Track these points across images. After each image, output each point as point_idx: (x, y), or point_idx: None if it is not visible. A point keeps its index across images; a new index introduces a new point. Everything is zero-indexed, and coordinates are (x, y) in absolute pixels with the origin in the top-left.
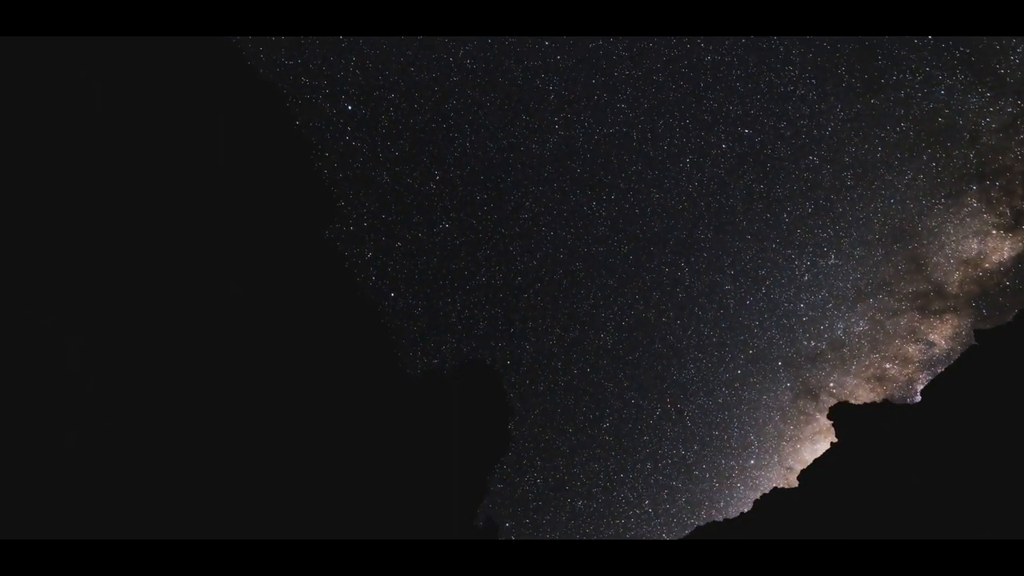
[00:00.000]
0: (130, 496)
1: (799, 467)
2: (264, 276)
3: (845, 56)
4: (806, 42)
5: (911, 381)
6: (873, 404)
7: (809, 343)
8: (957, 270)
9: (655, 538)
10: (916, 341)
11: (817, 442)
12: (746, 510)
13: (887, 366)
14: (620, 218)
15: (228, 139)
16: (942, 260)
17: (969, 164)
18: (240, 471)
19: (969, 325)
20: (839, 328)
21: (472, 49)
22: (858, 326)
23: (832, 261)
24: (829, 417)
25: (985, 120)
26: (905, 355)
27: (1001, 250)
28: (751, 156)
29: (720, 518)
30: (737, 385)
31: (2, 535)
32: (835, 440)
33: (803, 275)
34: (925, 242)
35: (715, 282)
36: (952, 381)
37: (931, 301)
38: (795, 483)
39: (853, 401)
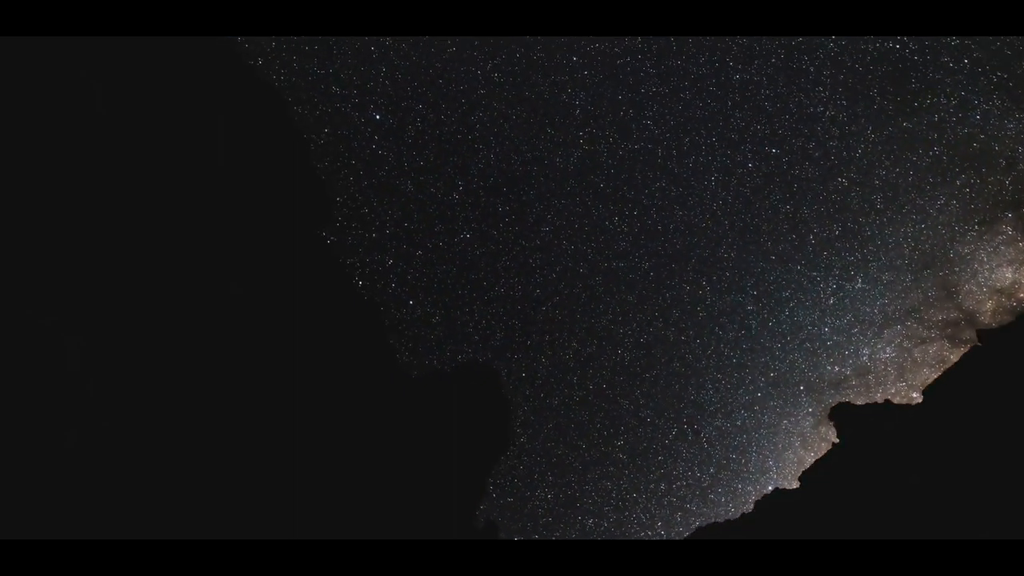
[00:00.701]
0: (130, 496)
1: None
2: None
3: (877, 79)
4: (837, 63)
5: None
6: (873, 404)
7: (833, 368)
8: (990, 299)
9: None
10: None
11: None
12: (748, 510)
13: (913, 395)
14: (642, 234)
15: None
16: (974, 288)
17: (1004, 191)
18: (246, 471)
19: None
20: (864, 354)
21: (500, 63)
22: (884, 353)
23: (859, 285)
24: (830, 418)
25: (1022, 147)
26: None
27: None
28: (778, 176)
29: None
30: (757, 408)
31: (2, 535)
32: (836, 440)
33: (828, 298)
34: (957, 269)
35: (737, 302)
36: (953, 381)
37: (961, 330)
38: (795, 483)
39: (855, 402)
